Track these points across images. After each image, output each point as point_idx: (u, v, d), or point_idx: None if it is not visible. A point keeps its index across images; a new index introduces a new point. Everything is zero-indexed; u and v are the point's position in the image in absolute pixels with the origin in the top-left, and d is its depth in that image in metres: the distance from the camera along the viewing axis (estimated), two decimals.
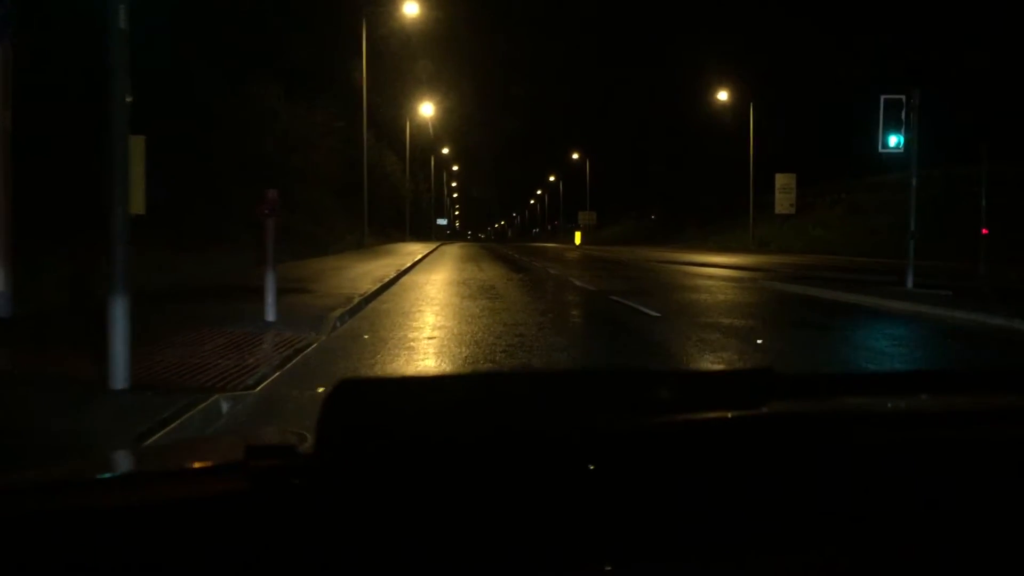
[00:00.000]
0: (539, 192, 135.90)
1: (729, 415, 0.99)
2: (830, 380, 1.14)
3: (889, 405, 1.20)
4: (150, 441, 4.28)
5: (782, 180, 49.11)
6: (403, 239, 52.15)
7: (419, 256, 27.90)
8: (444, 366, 7.20)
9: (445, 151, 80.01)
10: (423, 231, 72.23)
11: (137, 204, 5.61)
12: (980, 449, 1.03)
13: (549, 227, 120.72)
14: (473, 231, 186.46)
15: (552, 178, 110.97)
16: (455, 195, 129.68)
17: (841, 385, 1.17)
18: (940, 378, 1.29)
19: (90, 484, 1.04)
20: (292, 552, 0.79)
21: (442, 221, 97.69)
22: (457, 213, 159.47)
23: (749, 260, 31.73)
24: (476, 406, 0.89)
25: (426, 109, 56.75)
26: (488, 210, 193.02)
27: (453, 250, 41.77)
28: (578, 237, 54.11)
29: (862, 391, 1.19)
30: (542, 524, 0.84)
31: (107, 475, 1.15)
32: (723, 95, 49.06)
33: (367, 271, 18.12)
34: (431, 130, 67.54)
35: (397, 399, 0.89)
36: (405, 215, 56.66)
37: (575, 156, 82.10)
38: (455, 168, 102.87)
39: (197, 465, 1.12)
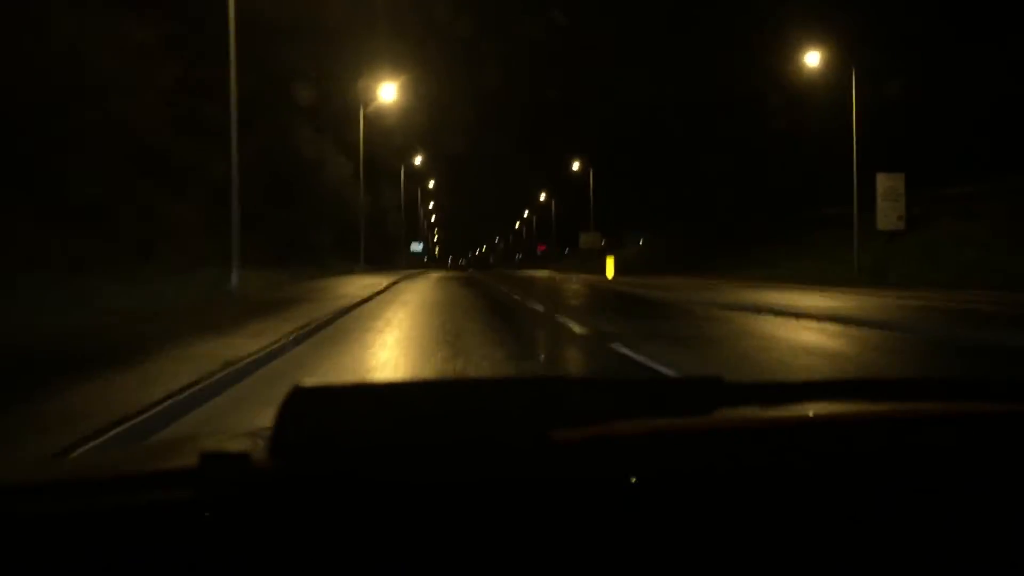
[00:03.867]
0: (526, 214, 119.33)
1: (679, 423, 0.99)
2: (779, 388, 1.13)
3: (836, 411, 1.17)
4: None
5: (887, 182, 33.07)
6: (351, 270, 35.66)
7: (323, 319, 11.58)
8: None
9: (418, 160, 63.77)
10: (389, 258, 55.83)
11: None
12: (927, 454, 1.04)
13: (539, 252, 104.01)
14: (454, 257, 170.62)
15: (544, 196, 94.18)
16: (432, 217, 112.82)
17: (790, 393, 1.14)
18: (888, 386, 1.24)
19: (38, 489, 0.95)
20: (241, 562, 0.77)
21: (417, 246, 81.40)
22: (436, 238, 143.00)
23: (933, 301, 17.20)
24: (432, 414, 0.87)
25: (387, 94, 40.45)
26: (469, 234, 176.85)
27: (416, 289, 25.29)
28: (610, 266, 37.08)
29: (811, 398, 1.15)
30: (496, 535, 0.83)
31: (57, 480, 1.05)
32: (813, 58, 32.84)
33: None
34: (389, 123, 51.26)
35: (353, 406, 0.85)
36: (359, 236, 40.15)
37: (576, 166, 65.78)
38: (431, 185, 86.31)
39: (151, 471, 1.03)
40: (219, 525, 0.79)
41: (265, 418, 1.60)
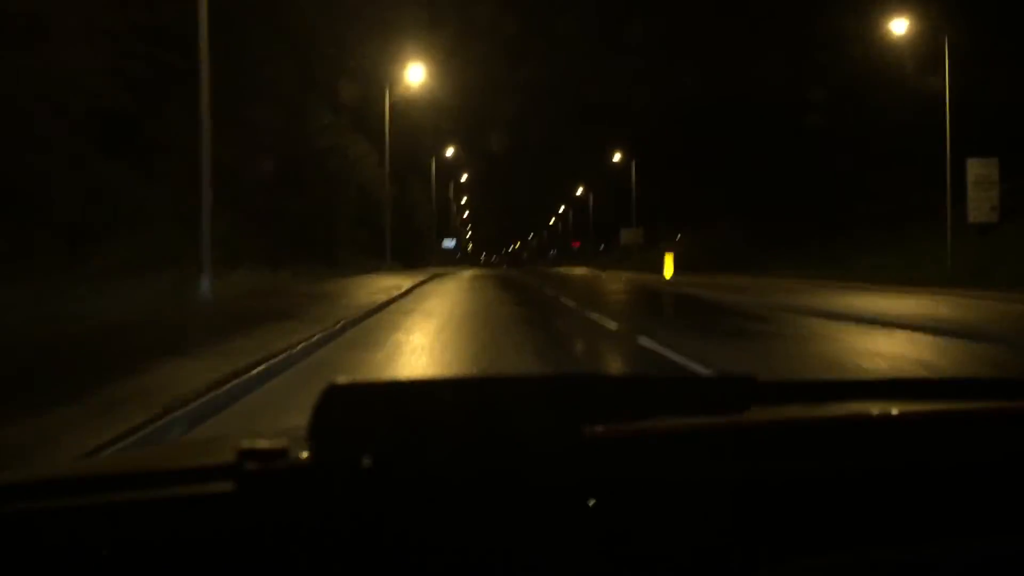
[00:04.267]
0: (561, 209, 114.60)
1: (712, 421, 0.98)
2: (812, 387, 1.13)
3: (870, 411, 1.14)
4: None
5: (978, 169, 28.35)
6: (376, 268, 31.70)
7: (289, 350, 7.51)
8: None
9: (450, 152, 59.74)
10: (420, 255, 51.95)
11: None
12: (959, 453, 1.03)
13: (575, 249, 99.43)
14: (487, 254, 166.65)
15: (580, 190, 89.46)
16: (465, 213, 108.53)
17: (823, 391, 1.15)
18: (919, 385, 1.25)
19: (79, 483, 0.96)
20: (279, 554, 0.79)
21: (449, 243, 77.49)
22: (469, 235, 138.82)
23: None
24: (464, 411, 0.87)
25: (415, 75, 36.55)
26: (502, 230, 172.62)
27: (444, 292, 21.33)
28: (669, 264, 31.48)
29: (844, 397, 1.16)
30: (532, 531, 0.84)
31: (96, 474, 1.05)
32: (899, 27, 28.25)
33: None
34: (419, 116, 47.51)
35: (387, 403, 0.85)
36: (385, 230, 36.19)
37: (616, 157, 61.17)
38: (464, 178, 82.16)
39: (188, 467, 1.02)
40: (257, 518, 0.80)
41: None
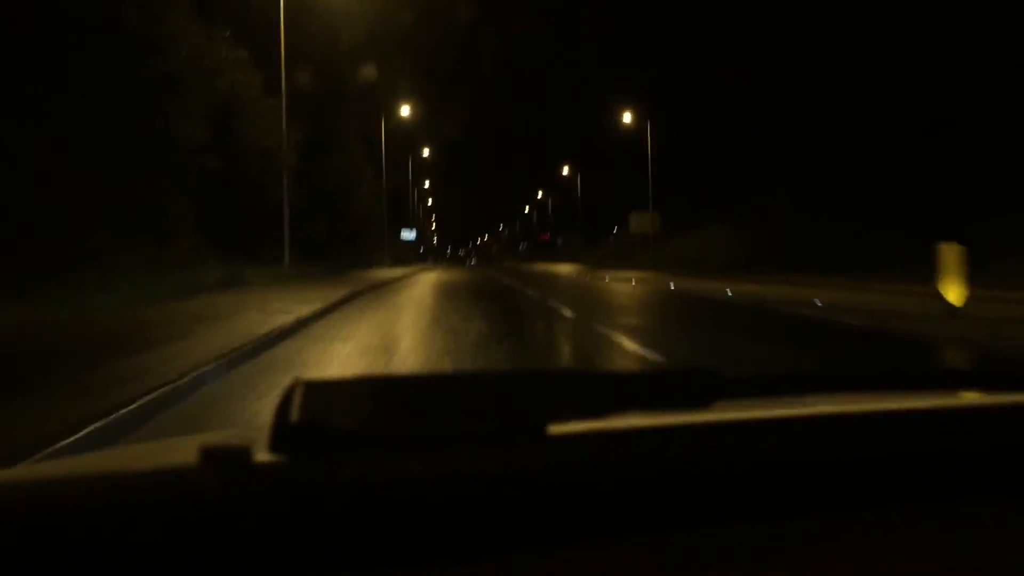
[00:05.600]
0: (539, 194, 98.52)
1: (675, 418, 0.97)
2: (779, 381, 1.07)
3: (839, 406, 1.12)
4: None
5: None
6: (236, 279, 16.04)
7: None
8: None
9: (406, 111, 44.06)
10: (364, 251, 36.67)
11: None
12: (920, 447, 1.01)
13: (558, 240, 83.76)
14: (452, 248, 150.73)
15: (566, 170, 73.14)
16: (429, 200, 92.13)
17: (791, 386, 1.09)
18: (895, 377, 1.19)
19: (36, 486, 0.90)
20: (245, 554, 0.78)
21: (409, 234, 62.15)
22: (434, 226, 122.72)
23: None
24: (430, 406, 0.86)
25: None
26: (470, 219, 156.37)
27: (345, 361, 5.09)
28: (954, 274, 14.93)
29: (813, 391, 1.14)
30: (492, 529, 0.83)
31: (56, 477, 0.98)
32: None
33: None
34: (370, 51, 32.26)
35: (351, 399, 0.84)
36: (283, 211, 20.48)
37: (627, 117, 45.61)
38: (425, 154, 66.02)
39: (150, 468, 0.97)
40: (220, 521, 0.79)
41: None
